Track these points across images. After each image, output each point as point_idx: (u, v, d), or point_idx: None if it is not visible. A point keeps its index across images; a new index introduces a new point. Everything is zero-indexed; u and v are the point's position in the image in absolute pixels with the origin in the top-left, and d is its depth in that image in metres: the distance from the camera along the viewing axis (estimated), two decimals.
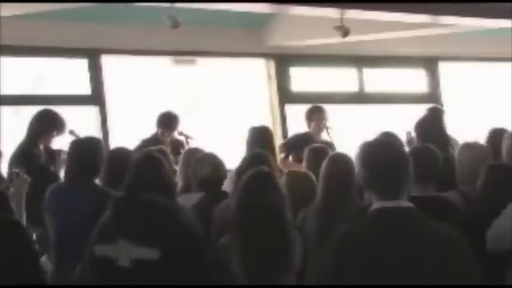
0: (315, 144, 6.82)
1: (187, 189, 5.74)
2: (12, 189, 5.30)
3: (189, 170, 5.72)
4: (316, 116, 8.49)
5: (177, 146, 7.87)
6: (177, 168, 6.01)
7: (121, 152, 5.76)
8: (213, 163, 5.63)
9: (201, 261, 3.85)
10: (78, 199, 5.33)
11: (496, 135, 6.55)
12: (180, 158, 6.23)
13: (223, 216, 4.94)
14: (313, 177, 5.47)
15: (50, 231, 5.45)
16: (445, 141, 6.62)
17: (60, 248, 5.33)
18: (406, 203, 3.38)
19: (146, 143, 7.67)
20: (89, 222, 4.63)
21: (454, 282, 3.26)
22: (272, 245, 4.18)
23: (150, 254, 3.80)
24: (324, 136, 8.48)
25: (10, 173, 5.63)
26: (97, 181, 5.59)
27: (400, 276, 3.25)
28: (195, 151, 6.14)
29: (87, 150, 5.54)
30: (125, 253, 3.85)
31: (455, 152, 5.76)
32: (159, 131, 8.11)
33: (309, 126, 8.53)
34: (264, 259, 4.15)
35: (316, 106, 8.63)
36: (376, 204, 3.38)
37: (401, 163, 3.40)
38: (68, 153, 5.71)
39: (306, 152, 6.39)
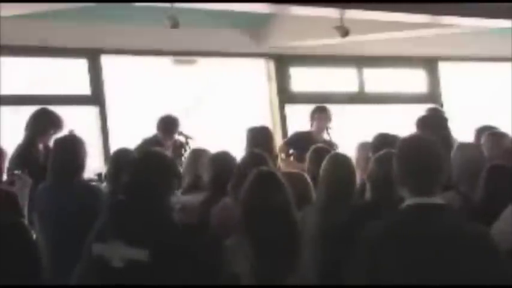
0: (318, 145, 6.83)
1: (194, 187, 5.77)
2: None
3: (197, 168, 5.76)
4: (317, 115, 8.58)
5: (179, 148, 7.86)
6: (182, 167, 6.03)
7: (124, 152, 5.77)
8: (220, 162, 5.62)
9: (193, 262, 3.86)
10: (65, 198, 5.32)
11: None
12: (186, 157, 6.26)
13: (222, 215, 4.95)
14: (308, 178, 5.49)
15: (39, 231, 5.40)
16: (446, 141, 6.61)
17: (51, 247, 5.28)
18: (438, 200, 3.41)
19: (147, 143, 7.67)
20: (78, 220, 4.64)
21: (482, 277, 3.29)
22: (282, 245, 4.16)
23: (140, 255, 3.82)
24: (326, 136, 8.52)
25: (10, 174, 5.63)
26: (85, 177, 5.63)
27: (431, 272, 3.28)
28: (201, 151, 6.16)
29: (68, 148, 5.52)
30: (118, 253, 3.86)
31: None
32: (159, 135, 8.09)
33: (312, 125, 8.61)
34: (274, 259, 4.13)
35: (319, 106, 8.73)
36: (409, 201, 3.41)
37: (436, 160, 3.43)
38: (51, 152, 5.70)
39: (308, 153, 6.41)
